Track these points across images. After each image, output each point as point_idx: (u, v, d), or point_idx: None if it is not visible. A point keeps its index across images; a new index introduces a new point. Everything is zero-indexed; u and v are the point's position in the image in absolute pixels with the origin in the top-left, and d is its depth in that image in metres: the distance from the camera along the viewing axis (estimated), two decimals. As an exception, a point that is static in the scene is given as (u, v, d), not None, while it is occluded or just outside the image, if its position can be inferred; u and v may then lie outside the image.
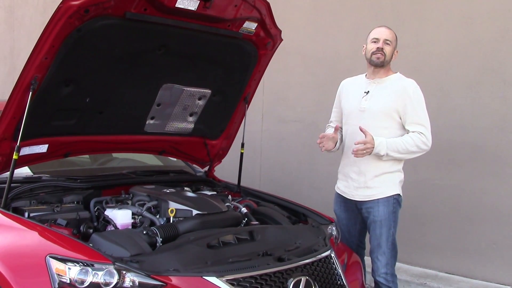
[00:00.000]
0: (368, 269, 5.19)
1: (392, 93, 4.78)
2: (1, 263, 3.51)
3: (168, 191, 4.59)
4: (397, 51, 4.89)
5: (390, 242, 4.84)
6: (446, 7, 6.29)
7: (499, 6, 5.94)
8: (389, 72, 4.91)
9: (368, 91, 4.87)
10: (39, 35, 3.68)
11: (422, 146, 4.72)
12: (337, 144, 5.01)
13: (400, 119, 4.77)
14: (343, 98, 5.11)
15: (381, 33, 4.82)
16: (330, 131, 5.12)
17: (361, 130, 4.64)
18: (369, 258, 5.00)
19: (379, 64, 4.81)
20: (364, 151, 4.60)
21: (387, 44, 4.79)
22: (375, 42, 4.81)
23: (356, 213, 5.02)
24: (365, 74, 5.00)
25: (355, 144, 4.63)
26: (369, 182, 4.83)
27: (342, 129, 5.11)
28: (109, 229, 4.13)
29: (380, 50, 4.78)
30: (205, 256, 3.67)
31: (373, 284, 5.03)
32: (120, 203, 4.46)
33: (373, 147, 4.60)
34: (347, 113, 5.02)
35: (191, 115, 4.97)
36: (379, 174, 4.82)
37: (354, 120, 4.90)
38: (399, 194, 4.89)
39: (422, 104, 4.79)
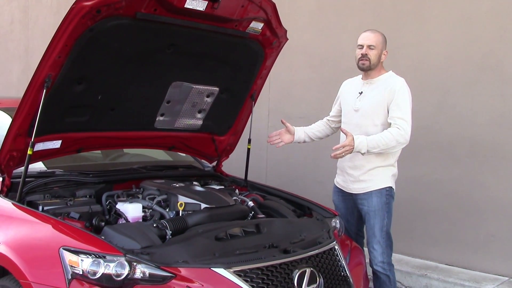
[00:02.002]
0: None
1: (381, 92, 4.82)
2: (16, 255, 3.54)
3: (177, 185, 4.59)
4: (386, 51, 4.90)
5: (384, 232, 4.90)
6: (446, 8, 6.27)
7: (498, 6, 5.92)
8: (381, 71, 4.94)
9: (362, 92, 4.95)
10: (52, 35, 3.68)
11: (400, 140, 4.71)
12: (300, 135, 5.23)
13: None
14: (342, 98, 5.21)
15: (365, 39, 4.86)
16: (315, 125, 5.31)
17: (342, 131, 4.75)
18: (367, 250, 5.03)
19: (366, 68, 4.88)
20: (343, 154, 4.65)
21: (371, 49, 4.82)
22: (360, 48, 4.87)
23: (353, 203, 5.09)
24: (361, 75, 5.06)
25: (333, 149, 4.66)
26: (363, 176, 4.90)
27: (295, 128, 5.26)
28: (120, 222, 4.13)
29: (364, 56, 4.83)
30: (213, 248, 3.68)
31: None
32: (131, 197, 4.45)
33: (353, 148, 4.63)
34: (345, 113, 5.11)
35: (199, 112, 4.96)
36: (372, 168, 4.88)
37: (348, 119, 5.02)
38: (391, 187, 4.95)
39: (406, 101, 4.78)
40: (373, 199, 4.88)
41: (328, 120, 5.33)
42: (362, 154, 4.70)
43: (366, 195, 4.91)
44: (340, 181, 5.13)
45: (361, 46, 4.85)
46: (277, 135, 5.20)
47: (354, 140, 4.62)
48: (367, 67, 4.85)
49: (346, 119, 5.05)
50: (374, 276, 4.98)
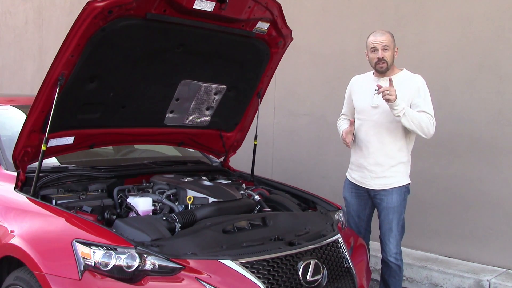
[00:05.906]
0: (373, 252, 5.17)
1: (403, 90, 4.66)
2: (31, 247, 3.55)
3: (186, 180, 4.57)
4: (397, 48, 4.83)
5: (400, 225, 4.88)
6: (446, 9, 6.25)
7: (495, 7, 5.89)
8: (395, 68, 4.85)
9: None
10: (66, 35, 3.67)
11: (429, 128, 4.66)
12: (354, 136, 4.97)
13: None
14: (353, 95, 5.07)
15: (378, 41, 4.74)
16: (344, 123, 5.10)
17: (378, 87, 4.54)
18: (374, 242, 5.00)
19: (384, 71, 4.77)
20: (388, 93, 4.46)
21: (386, 50, 4.72)
22: (374, 51, 4.75)
23: (366, 199, 5.02)
24: (373, 72, 4.94)
25: (377, 87, 4.54)
26: (386, 172, 4.82)
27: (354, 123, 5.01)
28: (131, 215, 4.13)
29: (381, 59, 4.73)
30: (220, 240, 3.68)
31: (377, 267, 5.02)
32: (142, 191, 4.46)
33: (395, 98, 4.46)
34: (360, 110, 4.96)
35: (207, 109, 4.95)
36: (395, 164, 4.82)
37: (367, 116, 4.88)
38: (409, 183, 4.91)
39: (429, 98, 4.75)
40: (393, 196, 4.82)
41: (348, 119, 5.11)
42: (396, 115, 4.55)
43: (386, 192, 4.84)
44: (357, 177, 5.00)
45: (375, 49, 4.74)
46: (346, 136, 4.91)
47: (396, 95, 4.48)
48: (386, 69, 4.75)
49: (363, 115, 4.91)
50: (385, 265, 4.96)
